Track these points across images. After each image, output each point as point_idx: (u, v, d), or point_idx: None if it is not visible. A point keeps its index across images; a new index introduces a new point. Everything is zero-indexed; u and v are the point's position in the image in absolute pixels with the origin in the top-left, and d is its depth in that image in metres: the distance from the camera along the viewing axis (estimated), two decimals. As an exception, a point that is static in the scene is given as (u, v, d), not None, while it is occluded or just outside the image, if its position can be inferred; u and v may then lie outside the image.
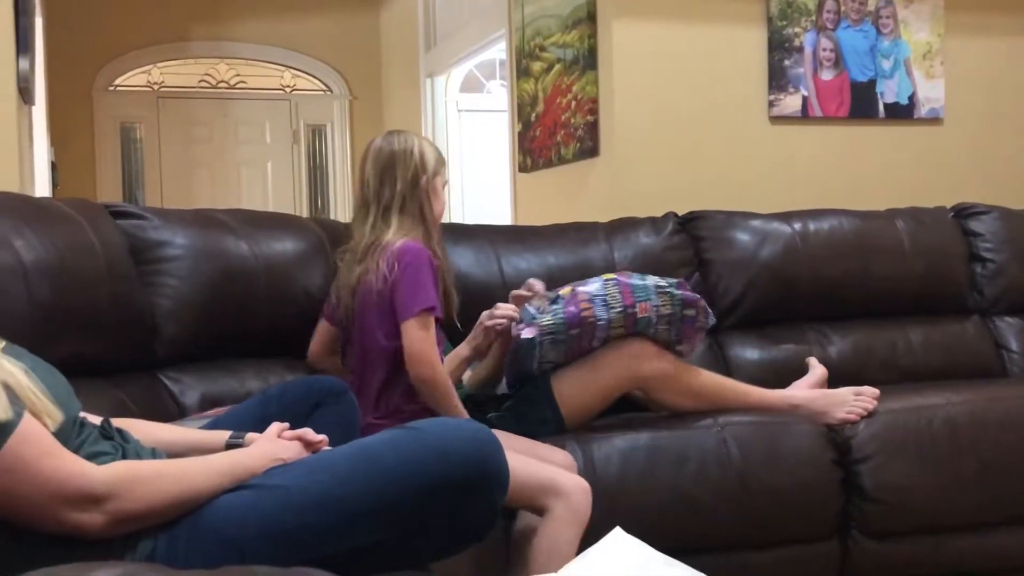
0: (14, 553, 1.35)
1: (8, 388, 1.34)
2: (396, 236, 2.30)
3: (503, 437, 1.63)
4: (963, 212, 3.37)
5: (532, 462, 2.07)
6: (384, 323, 2.27)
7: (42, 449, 1.34)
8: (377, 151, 2.39)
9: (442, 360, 2.32)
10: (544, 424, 2.43)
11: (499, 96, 6.02)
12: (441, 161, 2.43)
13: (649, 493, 2.32)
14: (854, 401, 2.54)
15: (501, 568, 2.12)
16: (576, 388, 2.45)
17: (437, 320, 2.28)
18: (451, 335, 2.49)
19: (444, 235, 2.80)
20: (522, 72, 4.45)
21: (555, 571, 2.00)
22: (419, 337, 2.22)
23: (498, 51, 5.35)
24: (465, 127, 6.21)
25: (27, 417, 1.34)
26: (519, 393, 2.50)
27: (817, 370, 2.70)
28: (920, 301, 3.19)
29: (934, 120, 3.99)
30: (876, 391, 2.57)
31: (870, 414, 2.52)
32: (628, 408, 2.59)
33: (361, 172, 2.42)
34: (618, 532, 1.35)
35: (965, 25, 3.99)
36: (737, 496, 2.36)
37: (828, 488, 2.44)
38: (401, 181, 2.34)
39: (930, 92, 3.97)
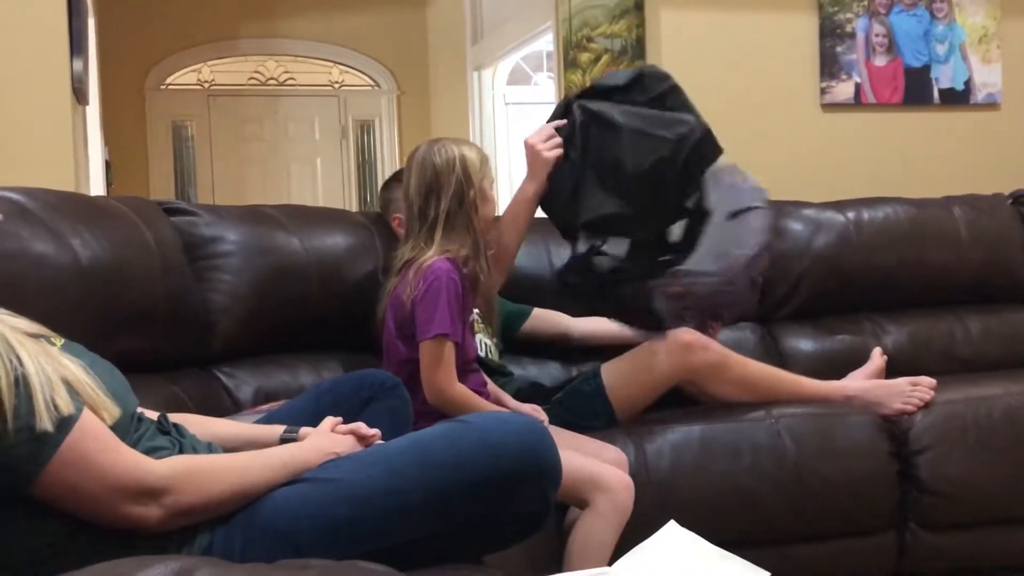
0: (74, 546, 1.37)
1: (67, 384, 1.36)
2: (435, 253, 2.25)
3: (552, 433, 1.63)
4: (1022, 199, 3.31)
5: (575, 456, 2.07)
6: (403, 333, 2.27)
7: (101, 444, 1.36)
8: (420, 166, 2.32)
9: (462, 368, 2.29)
10: (596, 417, 2.43)
11: (546, 88, 6.01)
12: (485, 160, 2.36)
13: (703, 486, 2.31)
14: (911, 392, 2.50)
15: (554, 561, 2.13)
16: (626, 381, 2.45)
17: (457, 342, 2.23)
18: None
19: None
20: (569, 63, 4.44)
21: (594, 564, 2.01)
22: (427, 363, 2.20)
23: (545, 43, 5.34)
24: (512, 120, 6.20)
25: (86, 412, 1.36)
26: (569, 387, 2.50)
27: (875, 361, 2.67)
28: (978, 290, 3.14)
29: (991, 105, 3.91)
30: (933, 381, 2.54)
31: (927, 405, 2.49)
32: (679, 401, 2.57)
33: (406, 187, 2.36)
34: (672, 525, 1.34)
35: (1022, 8, 3.91)
36: (792, 488, 2.34)
37: (885, 480, 2.42)
38: (446, 198, 2.28)
39: (987, 77, 3.90)
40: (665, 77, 2.35)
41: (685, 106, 2.32)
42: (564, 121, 2.35)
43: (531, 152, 2.35)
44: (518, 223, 2.40)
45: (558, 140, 2.34)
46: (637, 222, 2.30)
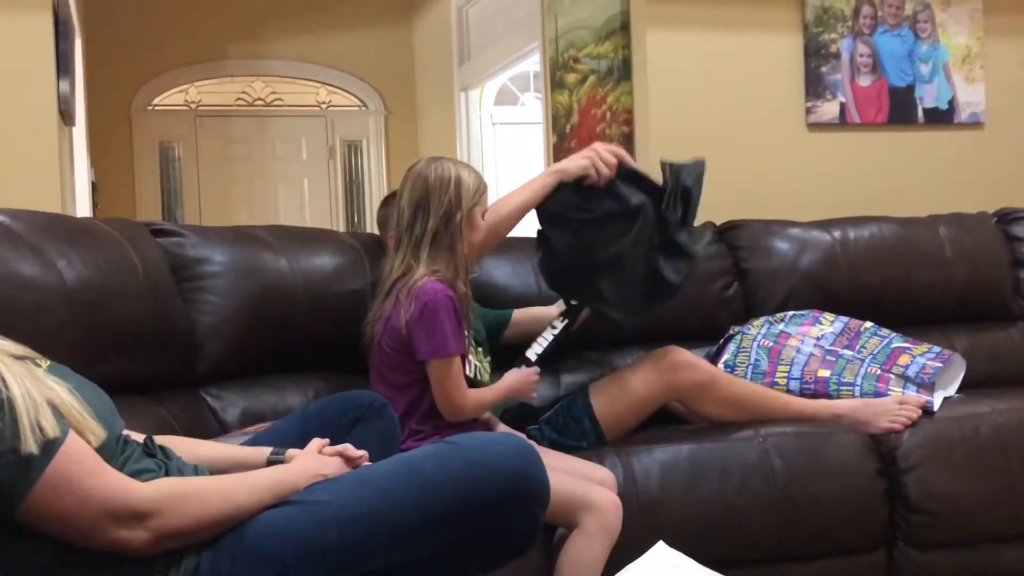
0: (60, 571, 1.36)
1: (53, 406, 1.36)
2: (423, 273, 2.25)
3: (542, 453, 1.63)
4: (1006, 217, 3.33)
5: (564, 477, 2.06)
6: (400, 357, 2.26)
7: (87, 467, 1.35)
8: (414, 181, 2.33)
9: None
10: (584, 437, 2.42)
11: (533, 108, 6.03)
12: (482, 191, 2.35)
13: (691, 506, 2.31)
14: (898, 410, 2.51)
15: (542, 582, 2.12)
16: (615, 400, 2.45)
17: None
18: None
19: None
20: (556, 84, 4.45)
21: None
22: (439, 381, 2.22)
23: (532, 63, 5.36)
24: (500, 140, 6.22)
25: (72, 435, 1.36)
26: (558, 407, 2.50)
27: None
28: (964, 308, 3.15)
29: (975, 125, 3.94)
30: (921, 399, 2.55)
31: (915, 423, 2.49)
32: (668, 420, 2.57)
33: (399, 199, 2.37)
34: (661, 546, 1.34)
35: (1005, 27, 3.95)
36: (781, 507, 2.34)
37: (873, 499, 2.42)
38: (434, 217, 2.28)
39: (970, 96, 3.92)
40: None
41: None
42: (637, 171, 2.48)
43: (590, 151, 2.44)
44: (526, 189, 2.46)
45: (612, 173, 2.43)
46: (560, 257, 2.48)
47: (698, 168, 2.51)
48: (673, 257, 2.46)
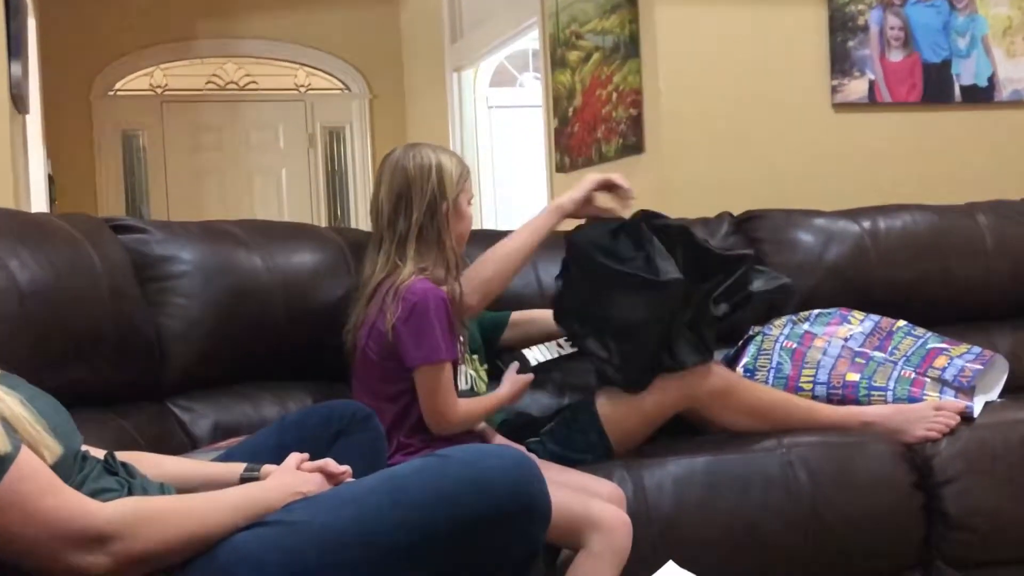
0: (15, 600, 1.36)
1: (4, 420, 1.36)
2: (411, 271, 2.26)
3: (542, 467, 1.62)
4: (1052, 204, 3.34)
5: (567, 492, 2.06)
6: (387, 364, 2.26)
7: (41, 486, 1.35)
8: (392, 172, 2.34)
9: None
10: (590, 450, 2.42)
11: (533, 90, 6.04)
12: (464, 175, 2.37)
13: (708, 523, 2.31)
14: (935, 417, 2.51)
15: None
16: (625, 410, 2.44)
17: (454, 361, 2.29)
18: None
19: (478, 243, 2.78)
20: (557, 63, 4.46)
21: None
22: (427, 390, 2.22)
23: (531, 40, 5.36)
24: (496, 125, 6.23)
25: (25, 451, 1.36)
26: (561, 417, 2.50)
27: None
28: (1007, 304, 3.15)
29: (1017, 103, 3.95)
30: (960, 405, 2.55)
31: (953, 431, 2.50)
32: (681, 430, 2.57)
33: (376, 193, 2.38)
34: (671, 567, 1.34)
35: (1049, -4, 3.96)
36: (806, 525, 2.34)
37: (908, 514, 2.42)
38: (417, 210, 2.29)
39: (1012, 72, 3.93)
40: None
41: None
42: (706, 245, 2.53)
43: (598, 179, 2.51)
44: (526, 228, 2.46)
45: (608, 184, 2.51)
46: (575, 296, 2.49)
47: (779, 288, 2.56)
48: (693, 339, 2.45)
